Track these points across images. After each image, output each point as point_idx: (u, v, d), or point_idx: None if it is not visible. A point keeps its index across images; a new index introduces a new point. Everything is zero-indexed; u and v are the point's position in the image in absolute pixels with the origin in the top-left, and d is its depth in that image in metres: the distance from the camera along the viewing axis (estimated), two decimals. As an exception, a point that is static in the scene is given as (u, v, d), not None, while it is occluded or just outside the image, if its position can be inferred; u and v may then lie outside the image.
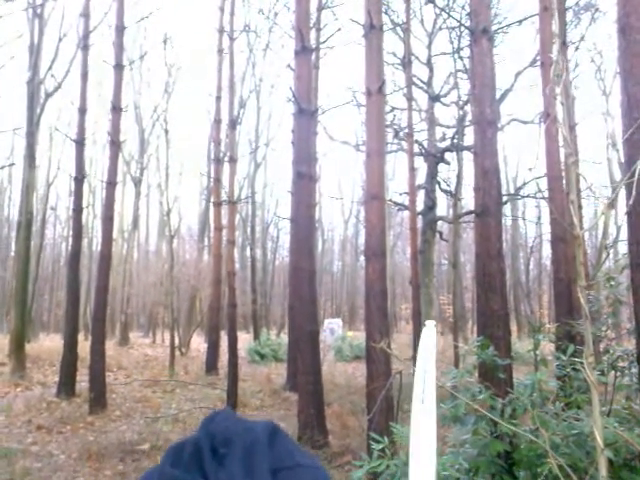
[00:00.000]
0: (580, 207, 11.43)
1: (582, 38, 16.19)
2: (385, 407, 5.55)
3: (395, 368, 6.88)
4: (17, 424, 9.13)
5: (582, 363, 4.61)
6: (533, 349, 4.74)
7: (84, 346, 13.05)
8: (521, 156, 45.14)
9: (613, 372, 4.35)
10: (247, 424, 0.61)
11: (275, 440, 0.60)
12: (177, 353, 18.07)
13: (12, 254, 25.76)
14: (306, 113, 7.82)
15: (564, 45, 9.61)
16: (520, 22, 13.81)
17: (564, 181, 8.53)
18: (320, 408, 7.95)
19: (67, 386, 11.25)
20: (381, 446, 3.23)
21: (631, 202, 2.07)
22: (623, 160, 2.66)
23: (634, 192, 1.87)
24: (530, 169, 14.31)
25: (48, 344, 21.65)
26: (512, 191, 21.88)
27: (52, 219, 35.04)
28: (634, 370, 4.55)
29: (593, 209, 26.10)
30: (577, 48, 16.22)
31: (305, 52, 7.74)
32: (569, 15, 13.80)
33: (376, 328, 6.12)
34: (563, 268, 8.50)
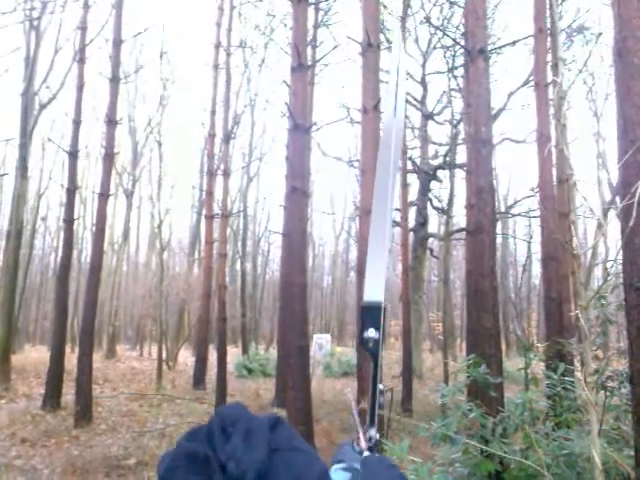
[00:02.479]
0: (570, 227, 11.52)
1: (580, 61, 16.41)
2: (384, 387, 5.51)
3: (386, 385, 6.85)
4: (0, 437, 8.99)
5: (573, 382, 4.62)
6: (524, 368, 4.74)
7: (70, 358, 12.93)
8: (512, 175, 45.48)
9: (603, 392, 4.35)
10: (254, 415, 0.71)
11: (277, 427, 0.70)
12: (164, 367, 17.91)
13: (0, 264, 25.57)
14: (301, 129, 7.85)
15: (556, 67, 9.72)
16: (514, 43, 13.99)
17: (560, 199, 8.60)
18: (309, 424, 7.89)
19: (52, 399, 11.11)
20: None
21: (631, 224, 2.09)
22: (619, 182, 2.69)
23: (634, 213, 1.89)
24: (532, 189, 14.39)
25: (34, 355, 21.42)
26: (503, 209, 22.00)
27: (42, 230, 34.79)
28: (624, 390, 4.55)
29: (582, 228, 26.29)
30: (569, 70, 16.41)
31: (301, 69, 7.79)
32: (562, 37, 13.99)
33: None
34: (554, 287, 8.53)
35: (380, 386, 1.10)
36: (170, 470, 0.65)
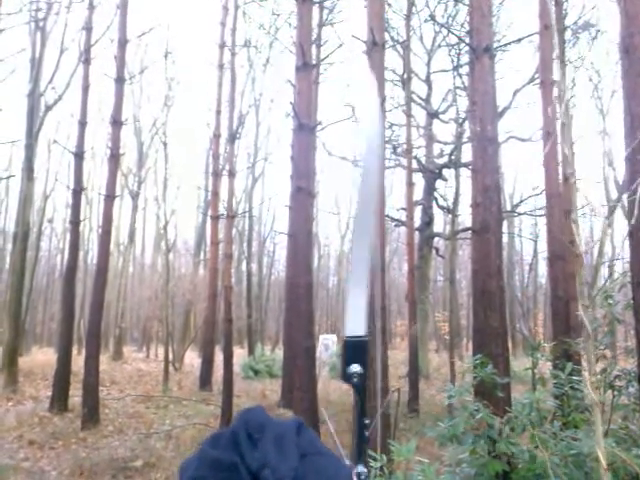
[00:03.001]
0: (577, 225, 11.46)
1: (583, 58, 16.33)
2: (382, 425, 5.50)
3: (392, 385, 6.84)
4: (8, 439, 9.01)
5: (580, 382, 4.59)
6: (531, 367, 4.71)
7: (77, 360, 12.94)
8: (518, 173, 45.37)
9: (610, 391, 4.31)
10: (277, 418, 0.69)
11: (302, 431, 0.68)
12: (171, 368, 17.92)
13: (6, 266, 25.61)
14: (306, 128, 7.84)
15: (562, 64, 9.68)
16: (519, 40, 13.93)
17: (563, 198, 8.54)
18: (315, 425, 7.87)
19: (60, 401, 11.13)
20: (379, 464, 3.19)
21: (633, 221, 2.06)
22: (625, 178, 2.66)
23: (636, 211, 1.86)
24: (534, 188, 14.33)
25: (41, 358, 21.47)
26: (509, 208, 21.92)
27: (48, 231, 34.89)
28: (631, 390, 4.52)
29: (589, 226, 26.19)
30: (575, 67, 16.35)
31: (306, 68, 7.78)
32: (567, 34, 13.92)
33: (375, 345, 6.07)
34: (561, 286, 8.48)
35: (366, 420, 1.07)
36: (195, 479, 0.63)
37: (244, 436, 0.63)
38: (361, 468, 0.97)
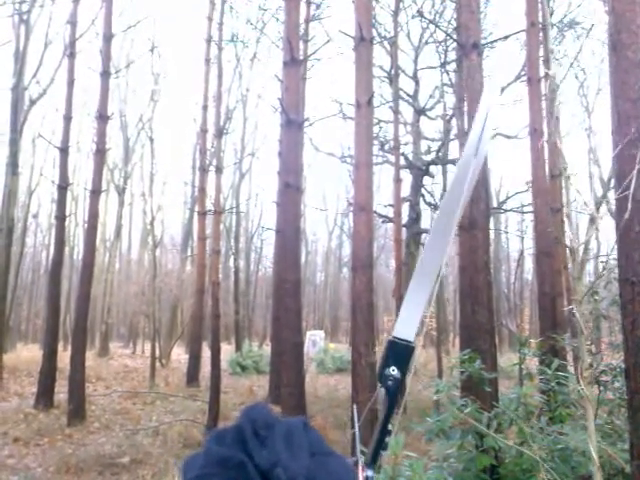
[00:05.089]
0: (563, 221, 11.55)
1: (575, 57, 16.42)
2: (370, 420, 5.51)
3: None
4: (-7, 436, 8.93)
5: (567, 377, 4.63)
6: (519, 363, 4.75)
7: (63, 357, 12.84)
8: (504, 170, 45.62)
9: (596, 386, 4.36)
10: (282, 417, 0.67)
11: (308, 430, 0.66)
12: (157, 364, 17.85)
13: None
14: (294, 124, 7.81)
15: (549, 62, 9.73)
16: (506, 37, 13.98)
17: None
18: (303, 421, 7.87)
19: (45, 397, 11.04)
20: (366, 459, 3.18)
21: (627, 216, 2.08)
22: (611, 175, 2.68)
23: (630, 206, 1.87)
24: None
25: (26, 354, 21.28)
26: (495, 204, 22.04)
27: (33, 227, 34.56)
28: (617, 385, 4.57)
29: (575, 223, 26.36)
30: (560, 65, 16.44)
31: (294, 63, 7.75)
32: (553, 32, 14.01)
33: (362, 341, 6.09)
34: (548, 282, 8.54)
35: (390, 427, 1.02)
36: (201, 478, 0.61)
37: (250, 433, 0.62)
38: (371, 473, 0.95)
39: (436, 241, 1.03)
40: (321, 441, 0.67)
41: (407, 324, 1.00)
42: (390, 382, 0.96)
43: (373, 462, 0.97)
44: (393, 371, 0.97)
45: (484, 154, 1.05)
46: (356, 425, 1.19)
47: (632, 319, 2.68)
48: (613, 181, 2.93)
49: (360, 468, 0.92)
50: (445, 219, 1.03)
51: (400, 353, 0.98)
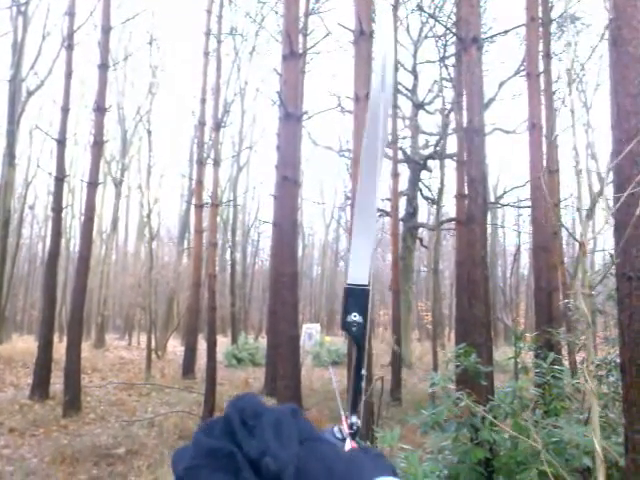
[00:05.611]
0: (560, 216, 11.59)
1: (575, 53, 16.37)
2: (366, 412, 5.54)
3: (376, 374, 6.88)
4: (-12, 426, 8.94)
5: (562, 371, 4.65)
6: (514, 357, 4.77)
7: (59, 348, 12.83)
8: (501, 165, 45.67)
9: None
10: (270, 405, 0.67)
11: (297, 416, 0.66)
12: (153, 356, 17.87)
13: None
14: (293, 118, 7.80)
15: (548, 57, 9.72)
16: (506, 32, 13.98)
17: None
18: (299, 413, 7.90)
19: (41, 388, 11.04)
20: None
21: (620, 201, 2.08)
22: (612, 171, 2.69)
23: (622, 199, 1.88)
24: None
25: (21, 345, 21.27)
26: (492, 199, 22.09)
27: (29, 218, 34.48)
28: (611, 379, 4.60)
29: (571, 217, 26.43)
30: (560, 60, 16.43)
31: (293, 57, 7.73)
32: (553, 27, 13.98)
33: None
34: (544, 277, 8.56)
35: (363, 371, 1.05)
36: (191, 469, 0.61)
37: (238, 423, 0.62)
38: (355, 419, 0.97)
39: (366, 184, 1.06)
40: (311, 428, 0.67)
41: (359, 269, 1.02)
42: (354, 328, 0.98)
43: (354, 409, 1.00)
44: (355, 317, 0.99)
45: (390, 88, 1.08)
46: (334, 382, 1.22)
47: (629, 313, 2.69)
48: (610, 176, 2.94)
49: (343, 417, 0.95)
50: (371, 160, 1.05)
51: (358, 298, 1.00)
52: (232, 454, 0.59)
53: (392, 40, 1.09)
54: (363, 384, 1.02)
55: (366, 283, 1.02)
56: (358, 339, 1.00)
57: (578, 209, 1.98)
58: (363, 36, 6.60)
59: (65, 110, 12.14)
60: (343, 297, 1.03)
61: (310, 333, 24.09)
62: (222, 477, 0.58)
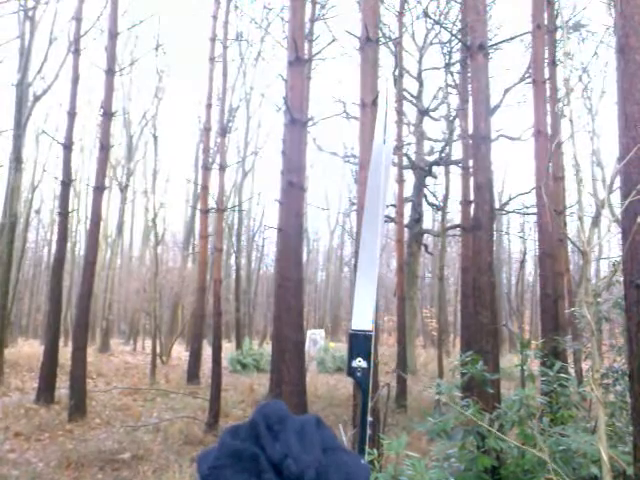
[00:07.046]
0: (565, 224, 11.55)
1: (576, 59, 16.41)
2: (372, 419, 5.52)
3: (382, 381, 6.86)
4: (-6, 430, 8.95)
5: (568, 379, 4.63)
6: (521, 365, 4.76)
7: (64, 352, 12.86)
8: (506, 172, 45.63)
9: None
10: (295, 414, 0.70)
11: (321, 426, 0.69)
12: (158, 361, 17.87)
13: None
14: (298, 123, 7.82)
15: (554, 64, 9.72)
16: (512, 39, 14.01)
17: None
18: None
19: (46, 393, 11.06)
20: (370, 458, 3.21)
21: (626, 201, 2.08)
22: (620, 179, 2.69)
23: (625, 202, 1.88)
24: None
25: (27, 349, 21.31)
26: (497, 206, 22.06)
27: (35, 223, 34.58)
28: (618, 387, 4.58)
29: (575, 226, 26.35)
30: (565, 67, 16.41)
31: (299, 62, 7.75)
32: (558, 34, 14.00)
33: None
34: (550, 284, 8.53)
35: (369, 417, 1.06)
36: (215, 469, 0.63)
37: (264, 428, 0.64)
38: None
39: (369, 238, 1.09)
40: (333, 438, 0.69)
41: (362, 316, 1.06)
42: (359, 373, 1.01)
43: (360, 453, 1.01)
44: (360, 362, 1.01)
45: (392, 143, 1.12)
46: (342, 431, 1.24)
47: (637, 321, 2.68)
48: (617, 183, 2.94)
49: None
50: (373, 208, 1.08)
51: (362, 343, 1.03)
52: (255, 456, 0.61)
53: (393, 102, 1.13)
54: (369, 431, 1.04)
55: (369, 329, 1.04)
56: (363, 384, 1.02)
57: (579, 217, 1.98)
58: (369, 43, 6.61)
59: (72, 115, 12.20)
60: (347, 343, 1.05)
61: (315, 339, 24.05)
62: (245, 478, 0.61)
